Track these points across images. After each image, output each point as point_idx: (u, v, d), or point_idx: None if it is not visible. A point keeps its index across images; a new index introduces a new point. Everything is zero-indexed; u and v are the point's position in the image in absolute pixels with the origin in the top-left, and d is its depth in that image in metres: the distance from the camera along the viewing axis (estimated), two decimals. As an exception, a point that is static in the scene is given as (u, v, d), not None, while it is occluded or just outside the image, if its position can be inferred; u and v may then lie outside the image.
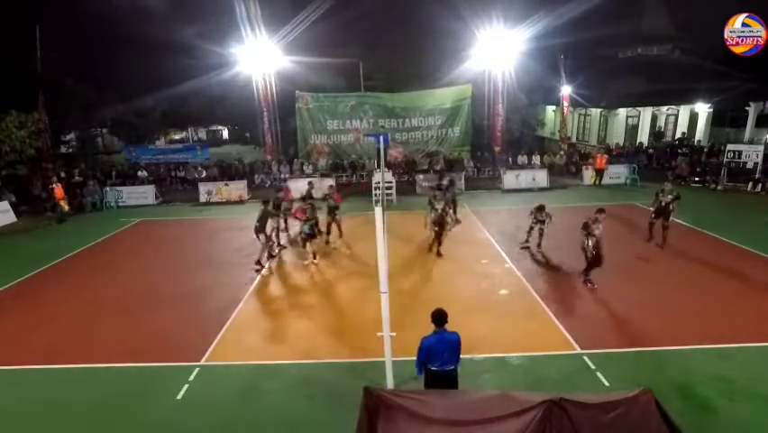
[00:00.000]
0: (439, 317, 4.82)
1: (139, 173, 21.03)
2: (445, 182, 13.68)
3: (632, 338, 7.08)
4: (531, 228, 11.17)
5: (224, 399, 6.00)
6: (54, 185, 15.96)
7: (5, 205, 16.26)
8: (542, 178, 19.26)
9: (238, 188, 18.68)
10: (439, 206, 10.54)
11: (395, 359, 5.47)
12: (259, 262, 10.48)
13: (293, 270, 10.63)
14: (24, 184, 18.79)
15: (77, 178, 19.17)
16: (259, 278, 10.07)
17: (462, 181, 19.09)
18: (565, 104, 24.34)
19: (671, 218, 10.96)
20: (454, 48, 22.92)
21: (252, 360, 6.87)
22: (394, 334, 5.31)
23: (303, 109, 22.16)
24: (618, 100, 25.18)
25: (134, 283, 10.09)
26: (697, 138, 25.24)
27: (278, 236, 12.04)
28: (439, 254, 10.85)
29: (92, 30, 24.47)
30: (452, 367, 4.87)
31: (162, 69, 25.53)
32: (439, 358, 4.81)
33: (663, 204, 10.90)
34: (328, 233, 11.94)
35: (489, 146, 22.87)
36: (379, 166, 16.20)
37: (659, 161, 22.77)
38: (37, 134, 18.35)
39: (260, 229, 10.35)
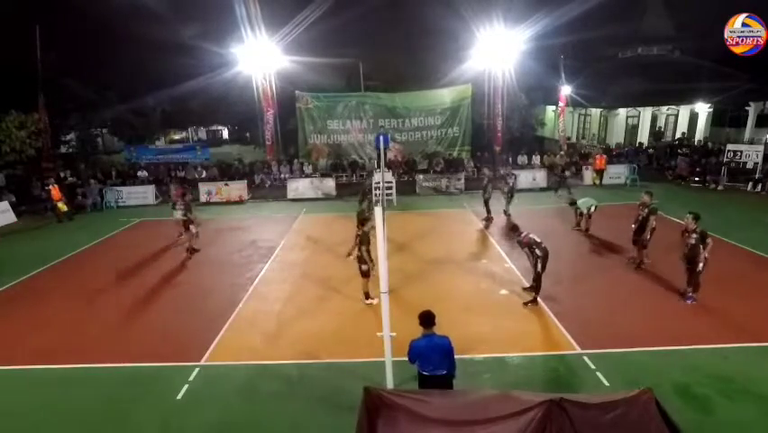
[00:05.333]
0: (426, 319, 4.70)
1: (139, 173, 21.04)
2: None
3: (632, 338, 7.07)
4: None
5: (223, 399, 6.00)
6: (50, 186, 15.96)
7: (5, 205, 16.27)
8: (542, 178, 19.26)
9: (238, 189, 18.69)
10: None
11: (395, 359, 5.46)
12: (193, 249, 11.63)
13: (292, 270, 10.62)
14: (24, 184, 18.80)
15: (69, 179, 19.16)
16: (259, 278, 10.08)
17: (462, 181, 19.11)
18: (561, 104, 24.33)
19: (647, 235, 9.56)
20: (454, 48, 22.96)
21: (252, 360, 6.86)
22: (394, 334, 5.30)
23: (303, 109, 22.16)
24: (618, 100, 25.20)
25: (134, 283, 10.09)
26: (697, 138, 25.25)
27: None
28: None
29: (92, 30, 24.45)
30: (444, 372, 4.74)
31: (163, 69, 25.54)
32: (430, 363, 4.70)
33: (641, 218, 9.76)
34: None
35: (490, 146, 22.88)
36: (379, 166, 16.21)
37: (659, 161, 22.77)
38: (37, 135, 18.33)
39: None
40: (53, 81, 19.72)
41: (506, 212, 14.40)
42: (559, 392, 3.41)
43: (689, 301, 8.15)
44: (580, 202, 12.47)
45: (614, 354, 6.72)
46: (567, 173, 18.98)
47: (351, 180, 21.07)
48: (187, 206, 11.81)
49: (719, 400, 5.66)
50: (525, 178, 19.17)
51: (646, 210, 9.77)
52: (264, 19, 19.67)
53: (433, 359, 4.67)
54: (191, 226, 11.62)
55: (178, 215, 12.34)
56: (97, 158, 26.96)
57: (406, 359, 4.89)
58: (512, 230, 8.71)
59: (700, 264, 7.93)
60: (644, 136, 26.78)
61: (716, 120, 26.00)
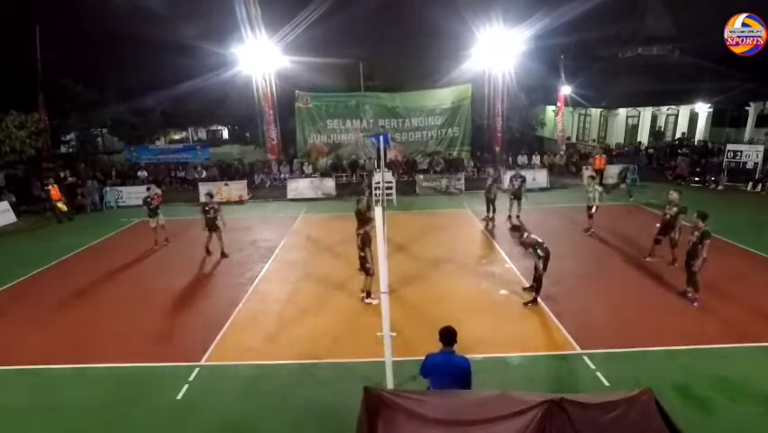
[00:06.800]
0: (448, 336, 4.36)
1: (139, 173, 21.03)
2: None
3: (632, 338, 7.08)
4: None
5: (223, 399, 6.00)
6: (50, 186, 15.95)
7: (5, 205, 16.26)
8: (542, 178, 19.28)
9: (238, 189, 18.70)
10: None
11: (395, 359, 5.44)
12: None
13: (292, 270, 10.62)
14: (24, 184, 18.79)
15: (69, 179, 19.18)
16: (259, 278, 10.09)
17: (462, 181, 19.11)
18: (559, 104, 24.33)
19: (676, 235, 9.65)
20: (454, 48, 22.95)
21: (252, 360, 6.86)
22: (394, 334, 5.29)
23: (303, 109, 22.15)
24: (618, 100, 25.16)
25: (134, 283, 10.10)
26: (697, 138, 25.23)
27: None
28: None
29: (92, 30, 24.44)
30: None
31: (162, 69, 25.52)
32: (440, 381, 4.35)
33: (668, 217, 9.72)
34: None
35: (490, 146, 22.88)
36: (379, 166, 16.20)
37: (659, 161, 22.76)
38: (37, 134, 18.33)
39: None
40: (53, 81, 19.73)
41: (509, 215, 14.18)
42: (559, 392, 3.41)
43: (695, 304, 8.03)
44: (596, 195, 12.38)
45: (614, 354, 6.72)
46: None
47: (351, 180, 21.06)
48: (208, 209, 11.27)
49: (719, 400, 5.66)
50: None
51: (675, 209, 9.63)
52: (264, 19, 19.68)
53: (445, 378, 4.31)
54: (212, 232, 11.32)
55: (161, 220, 12.42)
56: (97, 158, 26.87)
57: (407, 359, 4.88)
58: (514, 230, 8.69)
59: (697, 264, 7.87)
60: (644, 136, 26.75)
61: (716, 120, 25.99)
